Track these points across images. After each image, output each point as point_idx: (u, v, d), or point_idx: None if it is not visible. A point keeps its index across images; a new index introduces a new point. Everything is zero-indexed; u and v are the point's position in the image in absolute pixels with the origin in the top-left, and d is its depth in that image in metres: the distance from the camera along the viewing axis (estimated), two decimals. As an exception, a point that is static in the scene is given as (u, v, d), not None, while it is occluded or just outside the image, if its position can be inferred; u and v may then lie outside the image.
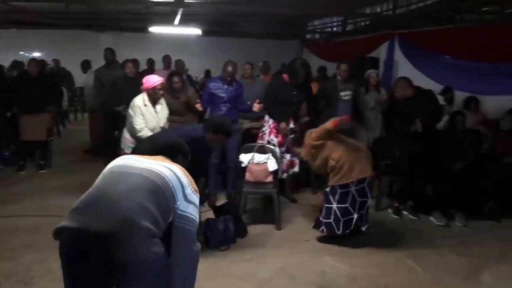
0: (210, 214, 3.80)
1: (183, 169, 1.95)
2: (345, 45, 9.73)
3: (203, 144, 3.15)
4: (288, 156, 4.50)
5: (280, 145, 4.43)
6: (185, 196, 1.83)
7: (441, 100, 5.61)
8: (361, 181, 3.54)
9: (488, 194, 4.40)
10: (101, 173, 1.88)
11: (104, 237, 1.59)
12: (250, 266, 3.27)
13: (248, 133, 5.06)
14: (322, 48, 10.78)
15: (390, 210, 4.48)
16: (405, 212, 4.41)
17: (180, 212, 1.80)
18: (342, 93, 4.84)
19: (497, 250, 3.64)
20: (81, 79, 7.93)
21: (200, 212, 3.62)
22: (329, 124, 3.57)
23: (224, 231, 3.56)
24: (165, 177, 1.80)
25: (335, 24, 10.83)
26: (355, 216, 3.56)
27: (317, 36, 11.79)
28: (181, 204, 1.81)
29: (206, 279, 2.35)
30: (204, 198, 4.30)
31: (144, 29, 8.89)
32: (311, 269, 3.24)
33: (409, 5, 8.85)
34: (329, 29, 11.04)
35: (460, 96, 6.28)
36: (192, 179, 1.92)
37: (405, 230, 4.07)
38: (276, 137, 4.47)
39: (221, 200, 4.32)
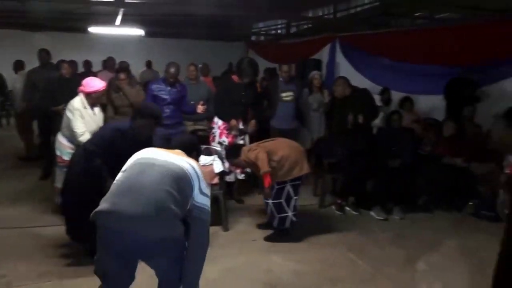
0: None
1: (199, 164, 2.25)
2: (289, 47, 9.95)
3: (131, 135, 3.05)
4: None
5: None
6: (200, 190, 2.10)
7: (378, 100, 5.87)
8: (298, 178, 3.68)
9: (422, 189, 4.70)
10: (129, 164, 2.12)
11: (138, 218, 1.87)
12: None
13: (194, 134, 5.02)
14: (267, 50, 10.94)
15: (333, 207, 4.64)
16: (347, 208, 4.59)
17: (196, 204, 2.08)
18: (283, 94, 4.93)
19: (430, 240, 3.88)
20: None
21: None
22: (263, 171, 3.51)
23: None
24: (185, 169, 2.07)
25: (279, 26, 11.02)
26: (290, 214, 3.71)
27: (262, 38, 11.94)
28: (197, 196, 2.08)
29: (149, 285, 2.30)
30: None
31: (83, 30, 8.53)
32: (258, 267, 3.28)
33: (348, 9, 9.18)
34: (273, 32, 11.21)
35: (397, 96, 6.63)
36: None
37: (348, 225, 4.23)
38: (227, 137, 4.48)
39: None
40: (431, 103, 6.39)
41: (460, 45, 6.03)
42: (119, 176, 2.08)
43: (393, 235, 3.98)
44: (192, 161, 2.18)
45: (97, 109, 3.94)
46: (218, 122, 4.50)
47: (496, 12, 6.67)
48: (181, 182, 2.01)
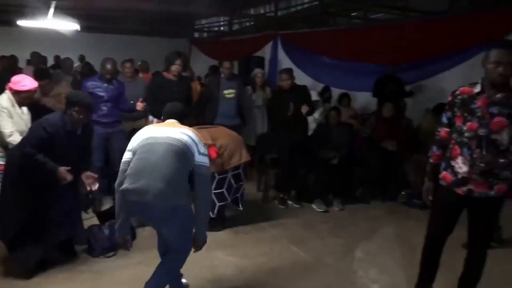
0: (96, 221, 3.61)
1: (193, 129, 2.59)
2: (232, 44, 9.98)
3: (66, 127, 2.98)
4: None
5: None
6: (199, 151, 2.47)
7: (315, 95, 6.02)
8: (237, 167, 3.80)
9: (360, 180, 4.94)
10: (137, 145, 2.44)
11: (154, 192, 2.28)
12: (139, 270, 3.17)
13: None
14: (210, 47, 10.91)
15: (276, 201, 4.74)
16: (289, 202, 4.71)
17: (198, 163, 2.45)
18: (225, 91, 4.90)
19: (367, 229, 4.09)
20: None
21: (82, 220, 3.45)
22: None
23: (110, 237, 3.39)
24: (184, 141, 2.42)
25: (222, 23, 11.02)
26: (229, 201, 3.89)
27: (205, 35, 11.87)
28: (197, 157, 2.45)
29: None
30: (88, 204, 4.07)
31: (11, 23, 7.99)
32: (202, 264, 3.27)
33: (289, 8, 9.37)
34: (216, 28, 11.19)
35: (337, 93, 6.89)
36: (200, 135, 2.60)
37: (290, 218, 4.34)
38: None
39: (108, 206, 4.12)
40: (367, 99, 6.72)
41: (391, 44, 6.40)
42: (133, 158, 2.43)
43: (333, 226, 4.15)
44: (186, 130, 2.52)
45: (25, 109, 3.71)
46: (153, 120, 4.42)
47: (424, 13, 7.15)
48: (183, 154, 2.40)
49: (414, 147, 5.01)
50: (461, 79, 3.79)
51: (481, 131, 2.31)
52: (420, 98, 6.14)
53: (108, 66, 4.20)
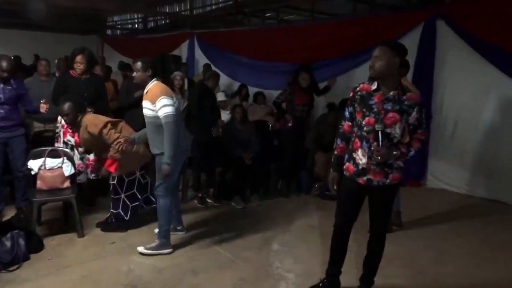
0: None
1: (155, 86, 3.33)
2: (148, 43, 9.72)
3: None
4: (92, 156, 4.23)
5: (78, 145, 4.13)
6: (159, 110, 3.20)
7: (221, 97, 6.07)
8: (144, 166, 3.88)
9: (277, 175, 5.13)
10: None
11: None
12: (48, 282, 2.98)
13: (40, 136, 4.56)
14: (124, 45, 10.49)
15: (195, 201, 4.73)
16: (209, 200, 4.72)
17: (161, 116, 3.20)
18: (136, 93, 4.71)
19: (283, 222, 4.26)
20: None
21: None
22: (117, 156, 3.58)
23: (12, 249, 3.14)
24: (149, 116, 3.33)
25: (136, 21, 10.67)
26: (141, 200, 3.93)
27: (118, 32, 11.40)
28: (160, 113, 3.19)
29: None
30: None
31: None
32: (117, 270, 3.17)
33: (204, 7, 9.36)
34: (130, 26, 10.81)
35: (253, 91, 7.04)
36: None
37: (210, 217, 4.37)
38: (73, 137, 4.16)
39: (9, 216, 3.82)
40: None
41: (303, 44, 6.71)
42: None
43: (250, 221, 4.25)
44: (147, 103, 3.30)
45: None
46: (61, 121, 4.16)
47: (331, 16, 7.59)
48: (153, 124, 3.29)
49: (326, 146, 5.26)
50: (366, 77, 4.08)
51: (377, 126, 2.52)
52: (328, 95, 6.50)
53: (4, 64, 3.80)
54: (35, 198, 3.61)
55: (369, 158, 2.56)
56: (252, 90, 7.17)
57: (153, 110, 3.22)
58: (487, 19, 4.71)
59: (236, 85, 7.24)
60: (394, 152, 2.52)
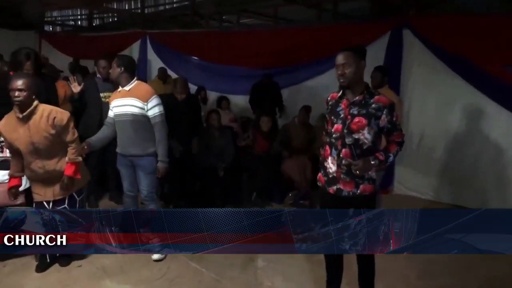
0: None
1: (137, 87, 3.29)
2: (93, 41, 9.05)
3: None
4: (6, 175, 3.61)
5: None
6: (149, 110, 3.20)
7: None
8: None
9: (251, 186, 4.88)
10: None
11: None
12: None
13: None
14: (66, 42, 9.68)
15: (163, 213, 4.37)
16: (178, 213, 4.38)
17: (151, 116, 3.22)
18: (102, 94, 4.22)
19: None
20: None
21: None
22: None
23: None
24: (134, 114, 3.22)
25: (79, 17, 9.92)
26: None
27: (58, 28, 10.52)
28: (150, 113, 3.21)
29: None
30: None
31: None
32: (90, 300, 2.78)
33: (157, 6, 8.94)
34: (72, 22, 10.02)
35: (213, 96, 6.77)
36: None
37: (182, 231, 4.04)
38: None
39: None
40: (243, 103, 6.76)
41: (265, 49, 6.58)
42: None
43: (228, 236, 3.98)
44: (133, 101, 3.20)
45: None
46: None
47: (292, 21, 7.55)
48: (139, 123, 3.23)
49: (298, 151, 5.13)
50: (333, 85, 3.91)
51: (345, 132, 2.44)
52: (291, 103, 6.41)
53: None
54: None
55: (338, 166, 2.47)
56: (212, 94, 6.95)
57: (142, 108, 3.18)
58: (452, 30, 4.86)
59: (193, 88, 6.91)
60: (372, 162, 2.41)
